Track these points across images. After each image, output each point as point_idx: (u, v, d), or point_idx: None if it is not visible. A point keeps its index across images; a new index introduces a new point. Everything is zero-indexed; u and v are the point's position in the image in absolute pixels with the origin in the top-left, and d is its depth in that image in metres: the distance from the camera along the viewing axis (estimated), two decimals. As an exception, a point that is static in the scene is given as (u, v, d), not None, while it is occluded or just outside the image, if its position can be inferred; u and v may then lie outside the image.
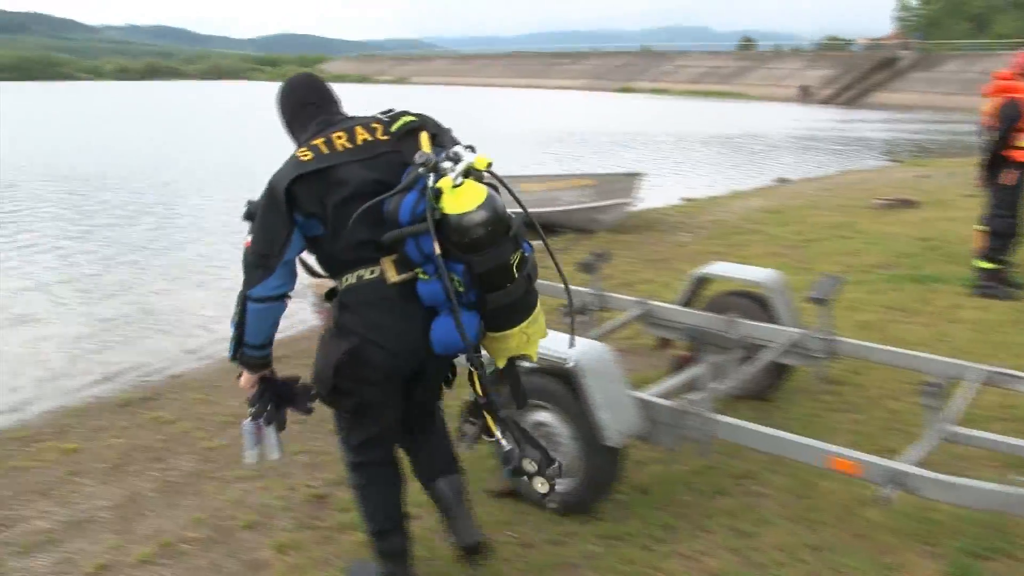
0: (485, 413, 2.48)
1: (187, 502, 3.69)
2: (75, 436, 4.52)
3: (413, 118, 2.57)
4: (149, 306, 7.57)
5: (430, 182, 2.29)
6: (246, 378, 2.69)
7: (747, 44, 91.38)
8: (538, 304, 2.50)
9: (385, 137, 2.54)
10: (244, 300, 2.53)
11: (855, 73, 61.84)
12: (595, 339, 3.77)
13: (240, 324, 2.57)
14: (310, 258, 2.66)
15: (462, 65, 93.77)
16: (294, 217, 2.46)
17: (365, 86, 76.58)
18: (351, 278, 2.51)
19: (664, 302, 4.74)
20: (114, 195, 14.05)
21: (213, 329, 6.75)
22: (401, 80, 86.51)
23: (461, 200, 2.27)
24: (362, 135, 2.53)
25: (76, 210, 12.61)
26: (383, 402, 2.61)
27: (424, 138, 2.48)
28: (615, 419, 3.14)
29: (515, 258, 2.35)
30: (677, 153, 21.81)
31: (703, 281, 4.70)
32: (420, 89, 69.32)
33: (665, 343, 4.79)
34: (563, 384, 3.20)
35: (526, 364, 2.82)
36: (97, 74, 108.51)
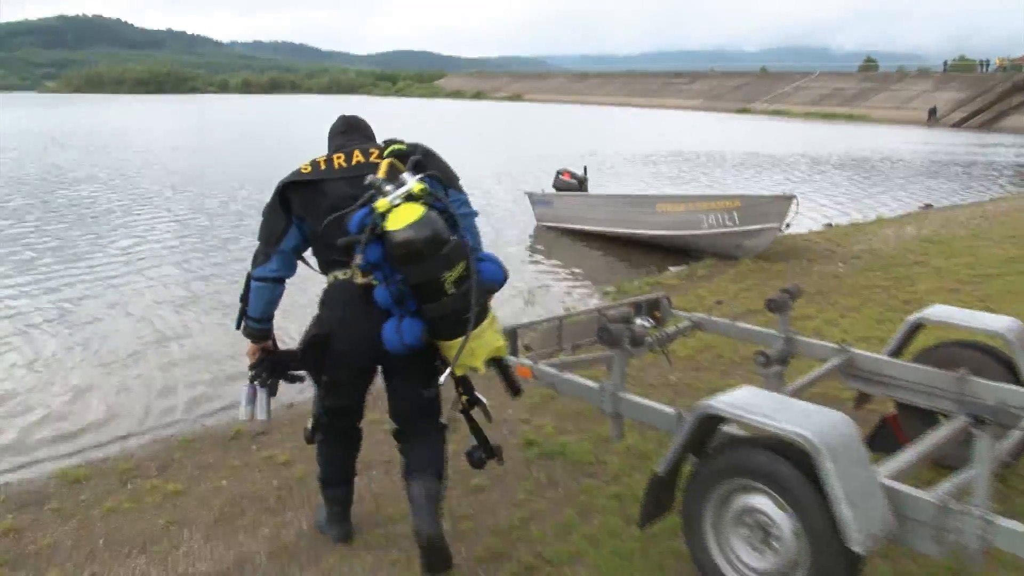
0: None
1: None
2: (180, 475, 4.06)
3: (402, 146, 2.91)
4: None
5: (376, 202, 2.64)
6: (249, 347, 3.17)
7: (870, 65, 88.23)
8: (486, 321, 2.80)
9: (375, 159, 2.89)
10: (248, 279, 3.04)
11: (989, 95, 58.58)
12: (790, 394, 3.21)
13: (244, 299, 3.08)
14: (311, 258, 3.07)
15: (578, 84, 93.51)
16: (291, 216, 2.94)
17: (480, 102, 77.33)
18: (330, 278, 2.95)
19: (869, 351, 4.07)
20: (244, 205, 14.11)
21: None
22: (516, 97, 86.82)
23: (397, 219, 2.59)
24: (357, 158, 2.94)
25: (204, 228, 12.69)
26: (347, 382, 3.03)
27: (384, 164, 2.78)
28: (861, 515, 2.36)
29: (449, 275, 2.63)
30: (812, 176, 20.78)
31: (918, 327, 4.00)
32: (535, 106, 69.39)
33: (863, 398, 4.13)
34: (791, 465, 2.51)
35: (738, 433, 2.87)
36: (223, 88, 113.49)
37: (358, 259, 2.63)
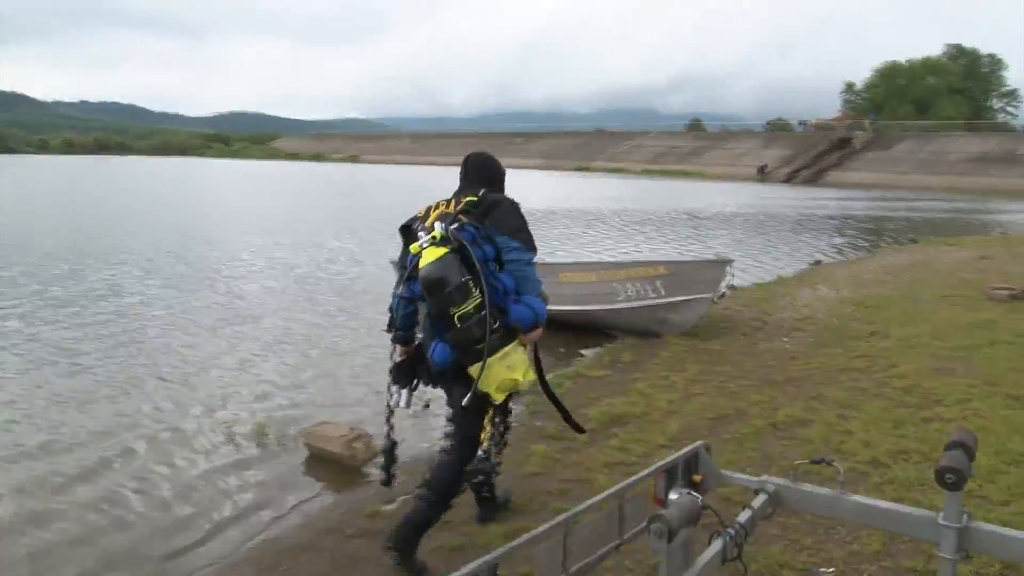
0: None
1: None
2: None
3: (474, 198, 3.34)
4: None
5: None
6: (398, 350, 3.58)
7: (696, 125, 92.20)
8: (496, 356, 3.10)
9: (449, 210, 3.33)
10: (393, 296, 3.53)
11: (811, 153, 61.81)
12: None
13: (391, 310, 3.54)
14: None
15: (418, 144, 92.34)
16: (408, 251, 3.40)
17: (320, 163, 74.52)
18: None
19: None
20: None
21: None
22: (355, 158, 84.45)
23: (423, 260, 3.10)
24: (441, 207, 3.40)
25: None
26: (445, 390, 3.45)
27: (432, 215, 3.33)
28: None
29: (457, 310, 3.04)
30: (682, 231, 19.81)
31: None
32: (377, 167, 67.33)
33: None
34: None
35: None
36: (42, 148, 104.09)
37: (403, 289, 3.38)
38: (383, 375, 6.81)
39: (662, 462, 2.55)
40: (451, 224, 3.16)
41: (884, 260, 14.07)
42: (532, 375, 3.33)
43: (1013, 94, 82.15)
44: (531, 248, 3.34)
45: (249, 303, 9.92)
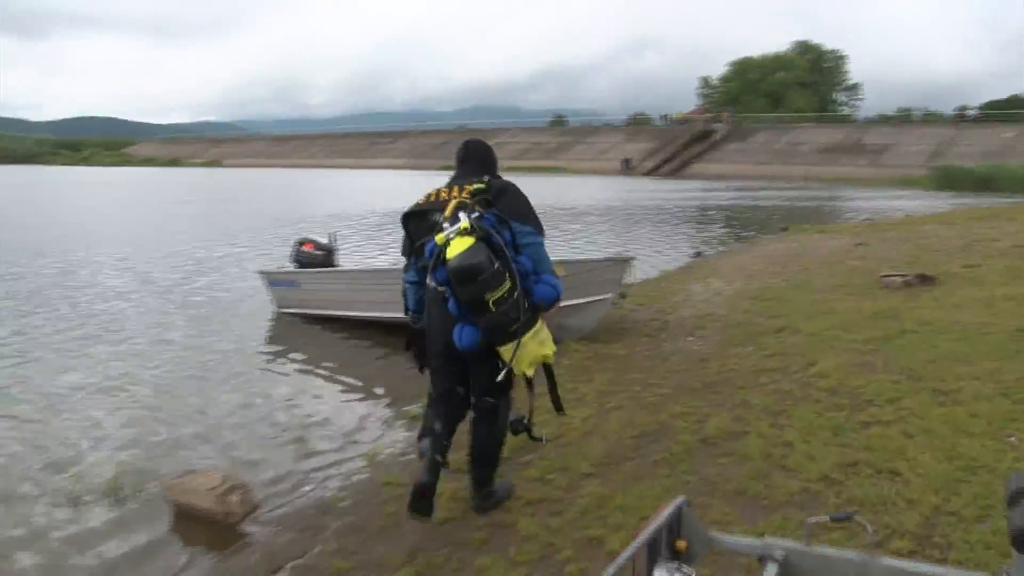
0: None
1: None
2: None
3: (481, 185, 3.56)
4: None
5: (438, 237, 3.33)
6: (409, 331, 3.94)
7: (559, 120, 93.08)
8: (528, 335, 3.32)
9: (454, 197, 3.52)
10: (403, 282, 3.87)
11: (674, 146, 63.30)
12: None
13: (403, 295, 3.88)
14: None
15: (279, 147, 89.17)
16: (412, 237, 3.75)
17: (177, 169, 70.80)
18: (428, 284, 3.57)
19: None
20: None
21: None
22: (215, 162, 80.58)
23: (451, 250, 3.23)
24: (442, 195, 3.62)
25: None
26: (439, 369, 3.74)
27: (451, 205, 3.43)
28: None
29: (491, 295, 3.19)
30: (565, 227, 19.45)
31: None
32: (238, 172, 64.44)
33: None
34: None
35: None
36: None
37: (430, 279, 3.45)
38: (259, 407, 6.00)
39: (640, 536, 1.88)
40: (472, 213, 3.33)
41: (764, 249, 14.04)
42: (554, 346, 3.57)
43: (855, 88, 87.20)
44: (541, 231, 3.58)
45: (100, 325, 8.69)
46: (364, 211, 24.10)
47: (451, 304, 3.38)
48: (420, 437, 3.82)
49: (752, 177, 50.58)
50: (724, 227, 20.44)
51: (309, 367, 7.28)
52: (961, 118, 60.42)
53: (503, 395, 3.69)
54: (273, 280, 9.42)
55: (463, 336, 3.37)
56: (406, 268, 3.79)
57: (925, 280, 8.59)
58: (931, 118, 66.26)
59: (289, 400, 6.28)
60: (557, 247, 15.88)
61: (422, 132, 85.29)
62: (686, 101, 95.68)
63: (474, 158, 3.83)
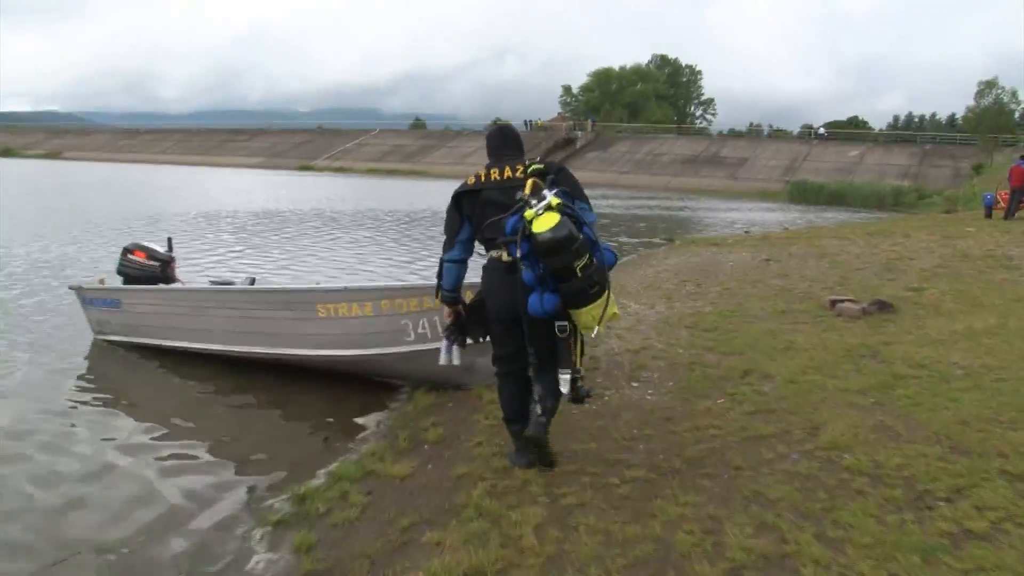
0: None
1: None
2: None
3: (541, 166, 3.87)
4: None
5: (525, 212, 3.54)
6: (445, 311, 4.24)
7: (419, 124, 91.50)
8: (604, 296, 3.59)
9: (520, 176, 3.81)
10: (441, 262, 4.06)
11: (536, 152, 62.62)
12: None
13: (439, 276, 4.08)
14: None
15: (128, 140, 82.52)
16: (462, 216, 3.98)
17: (10, 160, 64.06)
18: (488, 256, 3.93)
19: None
20: None
21: None
22: (55, 154, 73.44)
23: (540, 224, 3.45)
24: (507, 173, 3.88)
25: None
26: (502, 333, 3.98)
27: (529, 183, 3.65)
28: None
29: (578, 263, 3.47)
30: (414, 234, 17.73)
31: None
32: (79, 165, 58.82)
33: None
34: None
35: None
36: None
37: (507, 254, 3.74)
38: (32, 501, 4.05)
39: None
40: (552, 191, 3.61)
41: (664, 264, 12.82)
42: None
43: (709, 102, 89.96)
44: (591, 208, 3.90)
45: None
46: (218, 210, 21.59)
47: (527, 275, 3.59)
48: (507, 420, 4.11)
49: (615, 186, 50.43)
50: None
51: (127, 426, 5.32)
52: (811, 135, 63.00)
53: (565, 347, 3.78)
54: (89, 298, 7.32)
55: (545, 302, 3.55)
56: (448, 248, 4.02)
57: (883, 307, 7.47)
58: (779, 134, 68.83)
59: (83, 483, 4.34)
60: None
61: (280, 131, 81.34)
62: (547, 109, 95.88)
63: (513, 142, 4.16)
